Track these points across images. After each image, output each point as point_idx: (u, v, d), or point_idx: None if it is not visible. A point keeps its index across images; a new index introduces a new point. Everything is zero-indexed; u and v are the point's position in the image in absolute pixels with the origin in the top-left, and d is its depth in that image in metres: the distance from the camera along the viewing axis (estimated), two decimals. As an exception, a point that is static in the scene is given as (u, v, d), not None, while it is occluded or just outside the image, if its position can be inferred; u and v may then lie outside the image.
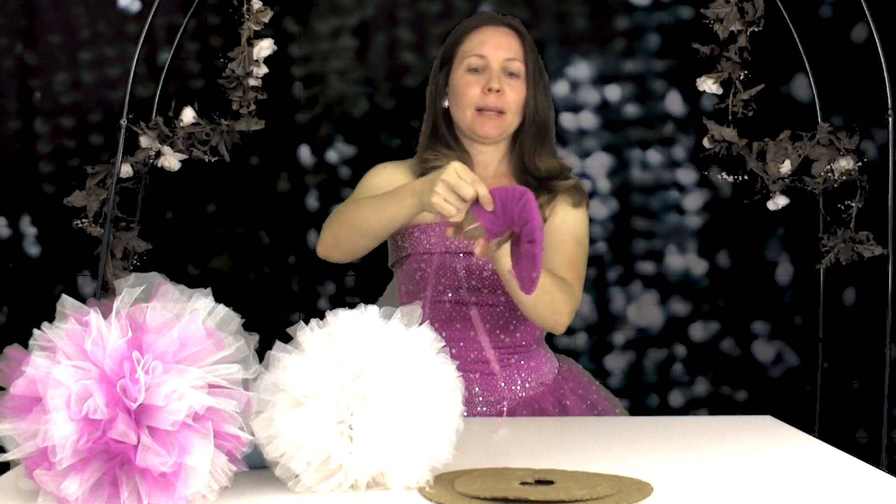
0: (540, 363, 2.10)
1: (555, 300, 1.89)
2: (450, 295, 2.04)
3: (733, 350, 3.37)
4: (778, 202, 2.84)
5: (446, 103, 2.11)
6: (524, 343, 2.08)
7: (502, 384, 2.06)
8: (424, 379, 1.34)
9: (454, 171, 1.60)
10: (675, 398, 3.38)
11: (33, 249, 3.33)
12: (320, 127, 3.35)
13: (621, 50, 3.35)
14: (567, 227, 2.06)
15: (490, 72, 2.05)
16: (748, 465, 1.49)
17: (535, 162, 2.08)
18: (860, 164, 2.81)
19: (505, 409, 2.03)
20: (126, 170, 2.78)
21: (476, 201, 1.59)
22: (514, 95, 2.05)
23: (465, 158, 2.10)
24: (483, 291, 2.04)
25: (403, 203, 1.77)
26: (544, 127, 2.10)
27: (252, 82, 2.76)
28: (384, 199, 1.83)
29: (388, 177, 2.08)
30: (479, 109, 2.05)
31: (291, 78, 3.33)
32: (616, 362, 3.38)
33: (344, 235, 1.92)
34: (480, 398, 2.04)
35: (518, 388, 2.07)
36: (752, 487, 1.37)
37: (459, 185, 1.58)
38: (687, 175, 3.35)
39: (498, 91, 2.03)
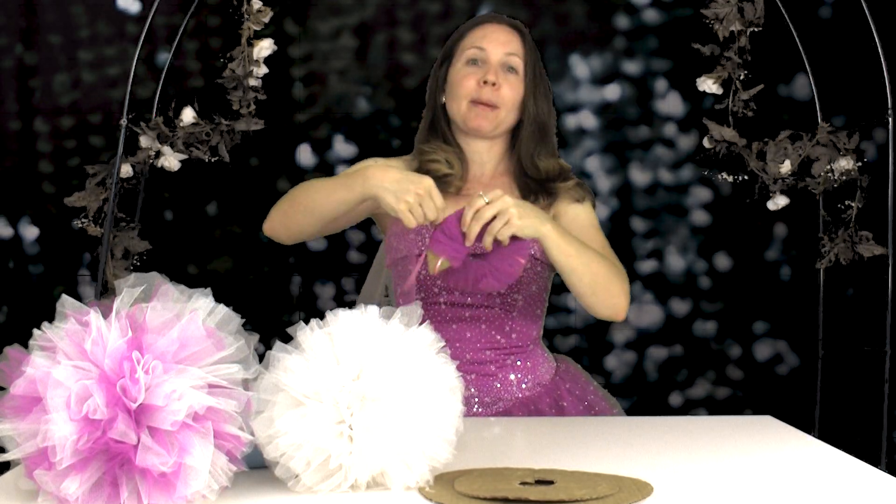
0: (536, 363, 2.10)
1: (611, 283, 1.90)
2: (445, 296, 2.04)
3: (733, 350, 3.36)
4: (778, 202, 2.84)
5: (444, 99, 2.11)
6: (520, 344, 2.08)
7: (498, 385, 2.06)
8: (424, 379, 1.34)
9: (427, 189, 1.73)
10: (675, 398, 3.38)
11: (33, 249, 3.33)
12: (320, 127, 3.35)
13: (621, 50, 3.35)
14: (581, 220, 2.06)
15: (488, 65, 2.05)
16: (748, 465, 1.49)
17: (535, 162, 2.08)
18: (860, 164, 2.80)
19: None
20: (126, 170, 2.77)
21: (433, 236, 1.76)
22: (510, 91, 2.05)
23: (463, 156, 2.10)
24: (477, 293, 2.04)
25: (353, 189, 1.83)
26: (544, 128, 2.09)
27: (252, 82, 2.76)
28: (335, 182, 1.88)
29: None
30: (474, 102, 2.05)
31: (291, 78, 3.33)
32: (616, 362, 3.38)
33: (291, 213, 1.93)
34: (476, 399, 2.03)
35: (514, 388, 2.06)
36: (752, 487, 1.37)
37: (428, 206, 1.73)
38: (687, 175, 3.35)
39: (494, 84, 2.03)
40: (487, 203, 1.74)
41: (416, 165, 2.08)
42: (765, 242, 3.35)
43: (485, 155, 2.11)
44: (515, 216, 1.74)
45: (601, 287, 1.89)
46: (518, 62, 2.06)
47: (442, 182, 1.99)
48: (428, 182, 1.76)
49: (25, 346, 1.29)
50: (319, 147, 3.35)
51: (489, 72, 2.04)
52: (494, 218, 1.74)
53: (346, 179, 1.85)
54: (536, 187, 2.07)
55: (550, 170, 2.08)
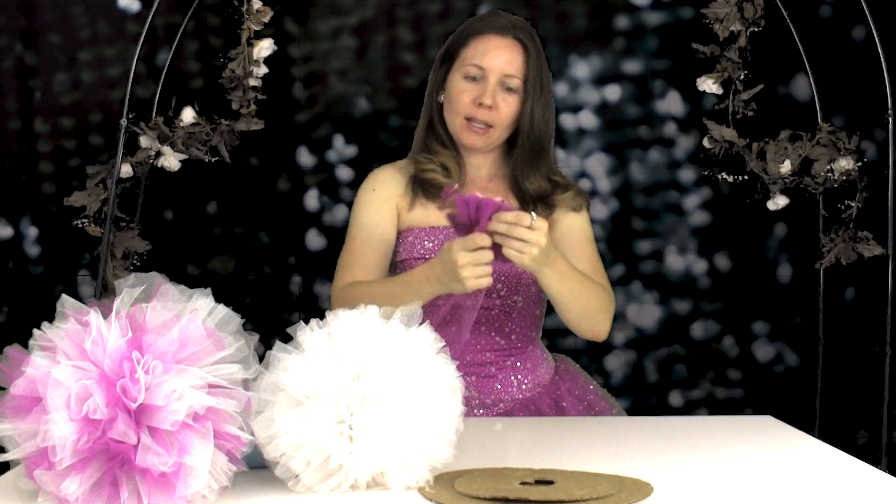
0: (536, 364, 2.10)
1: (598, 312, 1.94)
2: (444, 298, 2.04)
3: (733, 350, 3.36)
4: (778, 202, 2.84)
5: (442, 98, 2.10)
6: (520, 345, 2.08)
7: (499, 386, 2.06)
8: (424, 379, 1.34)
9: (463, 251, 1.70)
10: (675, 398, 3.37)
11: (33, 249, 3.33)
12: (320, 127, 3.35)
13: (621, 50, 3.35)
14: (577, 231, 2.06)
15: (486, 84, 2.01)
16: (748, 465, 1.49)
17: (525, 183, 2.08)
18: (860, 164, 2.80)
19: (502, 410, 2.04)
20: (126, 170, 2.78)
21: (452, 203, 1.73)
22: (507, 109, 2.03)
23: (460, 159, 2.10)
24: (477, 295, 2.03)
25: (412, 302, 1.81)
26: (538, 143, 2.07)
27: (252, 82, 2.76)
28: (391, 295, 1.82)
29: (383, 196, 2.08)
30: (469, 119, 2.04)
31: (291, 78, 3.33)
32: (616, 362, 3.38)
33: None
34: (477, 400, 2.03)
35: (514, 389, 2.06)
36: (752, 487, 1.37)
37: (479, 258, 1.70)
38: (687, 175, 3.35)
39: (490, 107, 2.02)
40: (530, 227, 1.70)
41: (413, 173, 2.08)
42: (765, 242, 3.35)
43: (481, 159, 2.11)
44: (527, 259, 1.72)
45: (587, 318, 1.94)
46: (517, 83, 2.02)
47: (439, 188, 2.00)
48: (458, 251, 1.71)
49: (25, 346, 1.29)
50: (319, 147, 3.34)
51: (486, 94, 2.01)
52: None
53: (400, 293, 1.82)
54: (535, 199, 2.08)
55: (542, 190, 2.08)
